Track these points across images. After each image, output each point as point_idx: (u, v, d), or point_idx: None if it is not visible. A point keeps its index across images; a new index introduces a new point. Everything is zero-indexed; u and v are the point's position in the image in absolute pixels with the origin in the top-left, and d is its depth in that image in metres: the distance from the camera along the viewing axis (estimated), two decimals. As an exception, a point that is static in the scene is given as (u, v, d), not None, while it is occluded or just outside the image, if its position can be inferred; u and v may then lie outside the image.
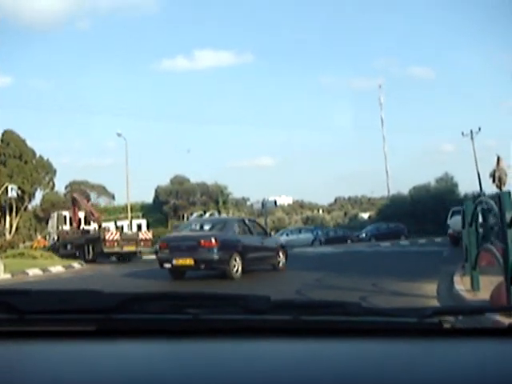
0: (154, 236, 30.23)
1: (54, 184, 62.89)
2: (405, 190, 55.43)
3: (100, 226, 29.84)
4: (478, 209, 10.67)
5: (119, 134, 45.09)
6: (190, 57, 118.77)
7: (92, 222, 30.72)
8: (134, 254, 28.17)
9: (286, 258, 16.83)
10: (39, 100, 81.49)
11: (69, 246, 28.24)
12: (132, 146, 72.49)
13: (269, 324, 1.30)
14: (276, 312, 1.31)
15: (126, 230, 49.49)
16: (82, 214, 31.62)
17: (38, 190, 62.21)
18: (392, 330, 1.26)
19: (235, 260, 14.32)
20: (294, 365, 1.08)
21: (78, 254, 27.03)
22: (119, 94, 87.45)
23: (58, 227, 31.25)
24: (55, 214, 32.35)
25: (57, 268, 21.32)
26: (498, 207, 7.06)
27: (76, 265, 23.73)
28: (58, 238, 30.05)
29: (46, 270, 20.18)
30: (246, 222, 16.80)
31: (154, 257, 27.87)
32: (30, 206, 58.33)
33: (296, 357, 1.14)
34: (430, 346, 1.17)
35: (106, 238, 27.19)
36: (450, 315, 1.28)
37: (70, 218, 31.71)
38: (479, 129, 48.40)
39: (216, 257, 14.06)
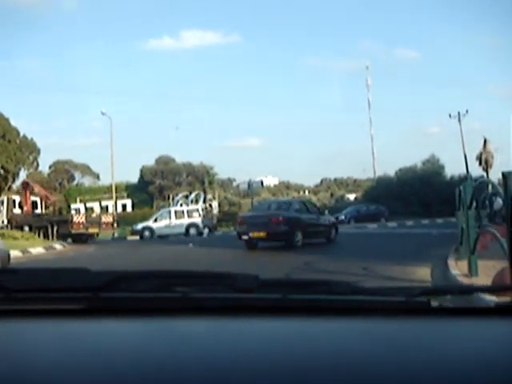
0: (114, 220, 33.15)
1: (38, 164, 61.82)
2: (391, 172, 54.93)
3: (60, 210, 33.97)
4: (486, 192, 10.22)
5: (103, 113, 44.51)
6: (177, 37, 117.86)
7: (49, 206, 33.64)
8: (91, 235, 30.49)
9: (337, 232, 21.11)
10: (24, 79, 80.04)
11: (26, 228, 29.57)
12: (117, 126, 72.05)
13: (257, 302, 1.30)
14: (264, 291, 1.31)
15: (110, 210, 49.04)
16: (37, 199, 33.74)
17: (22, 169, 60.99)
18: (380, 309, 1.26)
19: (297, 233, 18.18)
20: (282, 343, 1.09)
21: (38, 235, 28.41)
22: (105, 72, 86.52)
23: (7, 211, 32.38)
24: (5, 198, 33.48)
25: (37, 249, 20.67)
26: (504, 188, 6.57)
27: (57, 246, 23.21)
28: (9, 221, 31.43)
29: (26, 251, 19.52)
30: (306, 203, 21.28)
31: (109, 238, 30.35)
32: (14, 186, 57.19)
33: (284, 335, 1.14)
34: (418, 326, 1.18)
35: (74, 220, 30.07)
36: (439, 295, 1.28)
37: (20, 202, 33.28)
38: (466, 111, 48.33)
39: (283, 230, 17.86)
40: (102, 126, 75.71)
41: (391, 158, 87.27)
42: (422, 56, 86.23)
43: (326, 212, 22.99)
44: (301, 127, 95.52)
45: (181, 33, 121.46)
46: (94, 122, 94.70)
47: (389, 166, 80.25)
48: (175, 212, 34.24)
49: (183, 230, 32.55)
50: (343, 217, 43.39)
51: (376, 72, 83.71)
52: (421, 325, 1.19)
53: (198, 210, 35.14)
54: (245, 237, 18.24)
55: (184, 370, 0.96)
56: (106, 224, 31.65)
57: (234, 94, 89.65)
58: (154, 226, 32.81)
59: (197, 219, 33.39)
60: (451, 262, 10.56)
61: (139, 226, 33.47)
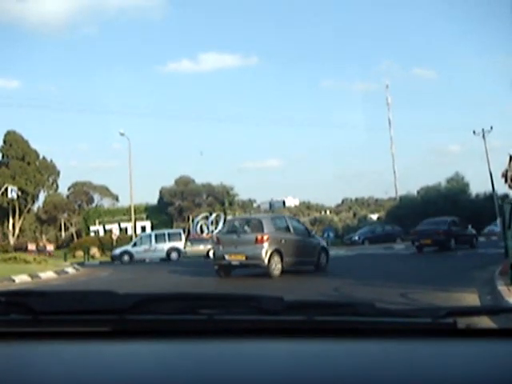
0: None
1: (57, 185, 61.17)
2: (413, 191, 53.50)
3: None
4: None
5: (122, 134, 43.76)
6: (195, 60, 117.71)
7: None
8: None
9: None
10: (44, 101, 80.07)
11: None
12: (136, 147, 71.67)
13: (282, 324, 1.31)
14: (289, 313, 1.32)
15: (129, 232, 47.95)
16: None
17: (42, 191, 60.30)
18: (406, 330, 1.26)
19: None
20: (308, 365, 1.09)
21: None
22: (124, 94, 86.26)
23: None
24: None
25: (47, 274, 19.35)
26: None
27: (70, 270, 21.97)
28: None
29: (35, 275, 18.33)
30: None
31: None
32: (34, 208, 56.45)
33: (309, 357, 1.15)
34: (445, 347, 1.18)
35: None
36: (465, 315, 1.28)
37: None
38: (491, 127, 46.61)
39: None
40: (121, 147, 75.17)
41: (413, 177, 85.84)
42: (440, 75, 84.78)
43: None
44: (320, 147, 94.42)
45: (199, 55, 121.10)
46: (114, 143, 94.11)
47: (410, 185, 78.68)
48: (155, 236, 34.00)
49: (164, 254, 32.18)
50: (357, 238, 42.35)
51: (396, 91, 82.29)
52: (447, 346, 1.18)
53: (179, 234, 35.18)
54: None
55: None
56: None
57: (253, 115, 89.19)
58: (133, 250, 32.40)
59: (178, 243, 33.02)
60: (502, 288, 9.09)
61: (117, 251, 33.05)
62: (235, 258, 15.53)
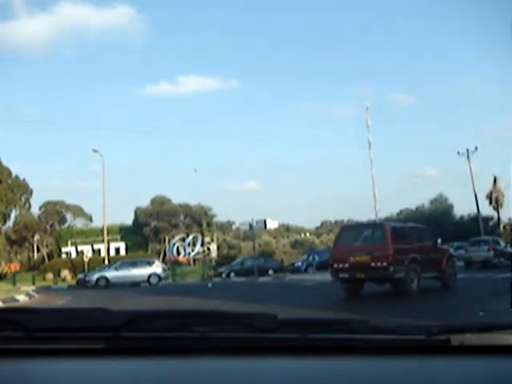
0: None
1: (30, 205, 58.41)
2: (393, 214, 51.96)
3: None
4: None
5: (96, 151, 41.31)
6: (174, 82, 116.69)
7: None
8: None
9: None
10: (16, 116, 77.65)
11: None
12: (111, 166, 69.98)
13: (276, 342, 1.32)
14: (283, 330, 1.33)
15: (102, 253, 45.60)
16: None
17: (14, 210, 57.50)
18: (399, 347, 1.28)
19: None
20: (301, 383, 1.10)
21: None
22: (99, 113, 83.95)
23: None
24: None
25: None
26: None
27: (21, 297, 19.31)
28: None
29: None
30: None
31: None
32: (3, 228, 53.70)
33: (303, 375, 1.16)
34: (438, 364, 1.20)
35: None
36: (459, 332, 1.29)
37: None
38: (476, 148, 45.23)
39: None
40: (96, 165, 73.08)
41: (392, 199, 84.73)
42: (416, 99, 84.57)
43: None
44: (300, 170, 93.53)
45: (179, 79, 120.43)
46: (88, 161, 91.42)
47: (390, 207, 77.44)
48: (134, 263, 33.41)
49: (145, 279, 31.24)
50: (299, 263, 38.17)
51: (375, 114, 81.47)
52: (441, 363, 1.20)
53: (157, 261, 34.88)
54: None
55: None
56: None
57: (231, 137, 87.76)
58: (110, 275, 31.56)
59: (157, 269, 32.11)
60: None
61: (94, 276, 32.03)
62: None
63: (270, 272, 36.03)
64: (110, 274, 31.65)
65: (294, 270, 36.99)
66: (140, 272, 31.48)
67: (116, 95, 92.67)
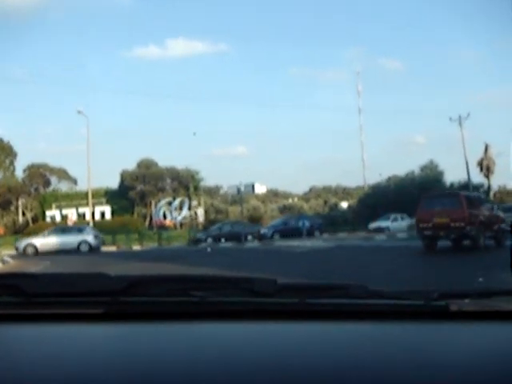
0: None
1: (14, 168, 57.07)
2: (382, 180, 51.51)
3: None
4: None
5: (80, 112, 40.02)
6: (163, 45, 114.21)
7: None
8: None
9: None
10: (2, 76, 75.74)
11: None
12: (96, 128, 68.50)
13: (275, 307, 1.33)
14: (282, 295, 1.34)
15: (88, 217, 44.73)
16: None
17: (-1, 173, 56.32)
18: (398, 312, 1.29)
19: None
20: (300, 347, 1.12)
21: None
22: (85, 74, 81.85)
23: None
24: None
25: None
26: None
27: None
28: None
29: None
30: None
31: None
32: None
33: (302, 339, 1.18)
34: (437, 329, 1.21)
35: None
36: (457, 298, 1.30)
37: None
38: (468, 114, 44.44)
39: None
40: (80, 127, 71.51)
41: (381, 165, 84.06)
42: (411, 63, 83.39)
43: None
44: (288, 135, 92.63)
45: (167, 42, 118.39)
46: (72, 123, 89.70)
47: (378, 174, 76.78)
48: (64, 229, 33.09)
49: (75, 246, 30.54)
50: (266, 230, 37.36)
51: (366, 79, 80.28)
52: (440, 328, 1.21)
53: (89, 228, 34.38)
54: None
55: (202, 373, 0.99)
56: None
57: (219, 102, 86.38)
58: (38, 242, 30.81)
59: (88, 236, 31.40)
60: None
61: (22, 243, 31.38)
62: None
63: (249, 238, 35.43)
64: (39, 241, 30.95)
65: (261, 237, 35.64)
66: (69, 239, 30.77)
67: (103, 57, 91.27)
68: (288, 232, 35.13)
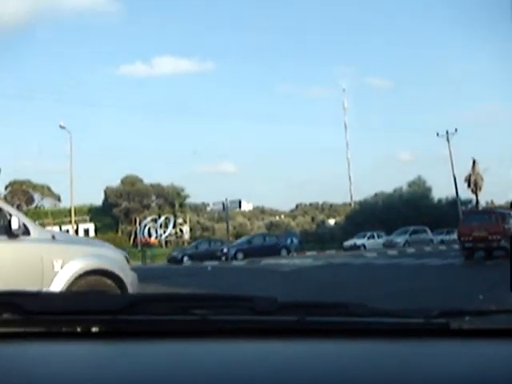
0: None
1: (-4, 185, 55.99)
2: (369, 197, 51.30)
3: None
4: None
5: (63, 127, 39.20)
6: (149, 63, 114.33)
7: None
8: None
9: None
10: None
11: None
12: (80, 143, 67.39)
13: (275, 325, 1.34)
14: (282, 313, 1.35)
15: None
16: None
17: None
18: (398, 330, 1.30)
19: None
20: (301, 365, 1.12)
21: None
22: (69, 89, 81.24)
23: None
24: None
25: None
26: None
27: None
28: None
29: None
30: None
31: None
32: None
33: (302, 357, 1.18)
34: (437, 347, 1.21)
35: None
36: (458, 316, 1.30)
37: None
38: (455, 130, 44.09)
39: None
40: (63, 143, 70.60)
41: (367, 182, 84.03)
42: (395, 82, 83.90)
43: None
44: (275, 152, 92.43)
45: (153, 60, 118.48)
46: (55, 139, 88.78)
47: (365, 190, 76.71)
48: None
49: None
50: (225, 250, 35.12)
51: (352, 97, 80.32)
52: (440, 346, 1.21)
53: None
54: None
55: None
56: None
57: (206, 118, 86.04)
58: None
59: None
60: None
61: None
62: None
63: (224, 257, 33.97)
64: None
65: (223, 256, 33.71)
66: None
67: (89, 73, 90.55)
68: (252, 251, 33.09)
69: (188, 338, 1.28)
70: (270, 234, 40.43)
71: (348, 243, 39.16)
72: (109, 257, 6.73)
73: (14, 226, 5.81)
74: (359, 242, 38.93)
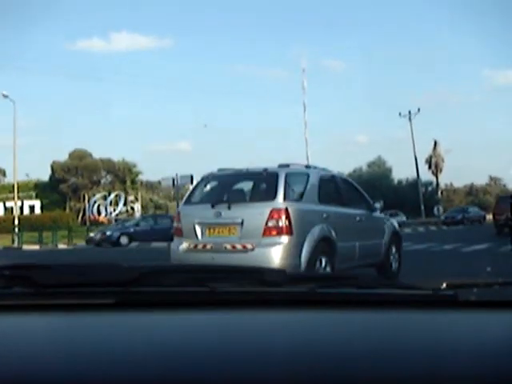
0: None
1: None
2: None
3: None
4: None
5: (6, 96, 36.15)
6: (107, 39, 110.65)
7: None
8: None
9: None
10: None
11: None
12: (25, 115, 63.46)
13: (284, 296, 1.37)
14: (291, 285, 1.38)
15: (15, 212, 41.28)
16: None
17: None
18: (407, 301, 1.32)
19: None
20: (311, 336, 1.15)
21: None
22: (14, 55, 77.25)
23: None
24: None
25: None
26: None
27: None
28: None
29: None
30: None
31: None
32: None
33: (312, 328, 1.21)
34: (446, 318, 1.24)
35: None
36: (466, 288, 1.33)
37: None
38: (418, 109, 43.08)
39: None
40: (6, 113, 66.78)
41: (325, 163, 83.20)
42: (352, 64, 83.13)
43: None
44: (233, 132, 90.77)
45: (111, 35, 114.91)
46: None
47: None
48: None
49: None
50: (110, 232, 30.93)
51: (311, 77, 79.00)
52: (448, 318, 1.24)
53: None
54: None
55: (213, 361, 1.01)
56: None
57: (163, 95, 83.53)
58: None
59: None
60: None
61: None
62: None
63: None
64: None
65: (105, 240, 29.33)
66: None
67: (36, 42, 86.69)
68: (139, 235, 29.13)
69: (199, 309, 1.30)
70: (164, 215, 36.27)
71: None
72: None
73: None
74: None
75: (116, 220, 47.81)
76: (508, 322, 1.19)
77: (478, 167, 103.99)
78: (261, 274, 1.38)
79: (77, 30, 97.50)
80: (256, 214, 7.54)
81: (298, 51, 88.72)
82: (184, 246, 8.02)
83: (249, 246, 7.46)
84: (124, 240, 29.24)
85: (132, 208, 49.73)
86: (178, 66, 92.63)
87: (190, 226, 8.02)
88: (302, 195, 8.00)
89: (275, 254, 7.33)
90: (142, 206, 50.66)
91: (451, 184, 65.26)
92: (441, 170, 50.28)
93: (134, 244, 28.70)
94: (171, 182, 31.93)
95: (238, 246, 7.59)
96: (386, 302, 1.31)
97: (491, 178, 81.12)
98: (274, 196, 7.59)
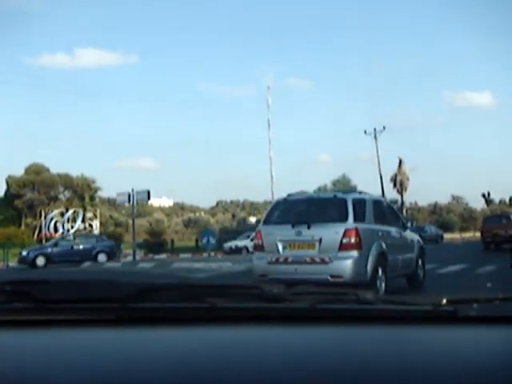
0: None
1: None
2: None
3: None
4: None
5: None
6: (72, 54, 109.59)
7: None
8: None
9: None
10: None
11: None
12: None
13: (284, 312, 1.37)
14: (292, 300, 1.39)
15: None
16: None
17: None
18: (407, 317, 1.33)
19: None
20: (311, 352, 1.15)
21: None
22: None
23: None
24: None
25: None
26: None
27: None
28: None
29: None
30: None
31: None
32: None
33: (313, 344, 1.21)
34: (446, 334, 1.24)
35: None
36: (466, 303, 1.34)
37: None
38: (384, 127, 42.40)
39: None
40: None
41: (289, 181, 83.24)
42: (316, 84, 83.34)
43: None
44: (196, 148, 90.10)
45: (76, 51, 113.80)
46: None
47: (286, 189, 75.20)
48: None
49: None
50: (25, 253, 28.78)
51: (276, 96, 78.77)
52: (448, 333, 1.25)
53: None
54: None
55: (212, 378, 1.02)
56: None
57: (126, 111, 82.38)
58: None
59: None
60: None
61: None
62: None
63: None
64: None
65: (21, 261, 27.96)
66: None
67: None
68: (57, 256, 27.53)
69: (198, 325, 1.30)
70: (88, 234, 35.75)
71: (228, 245, 35.56)
72: None
73: None
74: (241, 243, 34.83)
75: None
76: (508, 338, 1.19)
77: (441, 186, 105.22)
78: (261, 290, 1.38)
79: (41, 45, 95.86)
80: (332, 233, 9.29)
81: (263, 70, 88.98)
82: (267, 259, 9.74)
83: (327, 259, 9.22)
84: (40, 261, 27.50)
85: (90, 225, 48.32)
86: (140, 83, 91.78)
87: (271, 242, 9.78)
88: (363, 217, 9.74)
89: (349, 265, 9.14)
90: (101, 223, 49.52)
91: (415, 203, 65.46)
92: (406, 189, 50.34)
93: (49, 266, 26.66)
94: (127, 198, 30.48)
95: (317, 259, 9.33)
96: (386, 317, 1.31)
97: (453, 197, 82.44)
98: (346, 218, 9.36)
